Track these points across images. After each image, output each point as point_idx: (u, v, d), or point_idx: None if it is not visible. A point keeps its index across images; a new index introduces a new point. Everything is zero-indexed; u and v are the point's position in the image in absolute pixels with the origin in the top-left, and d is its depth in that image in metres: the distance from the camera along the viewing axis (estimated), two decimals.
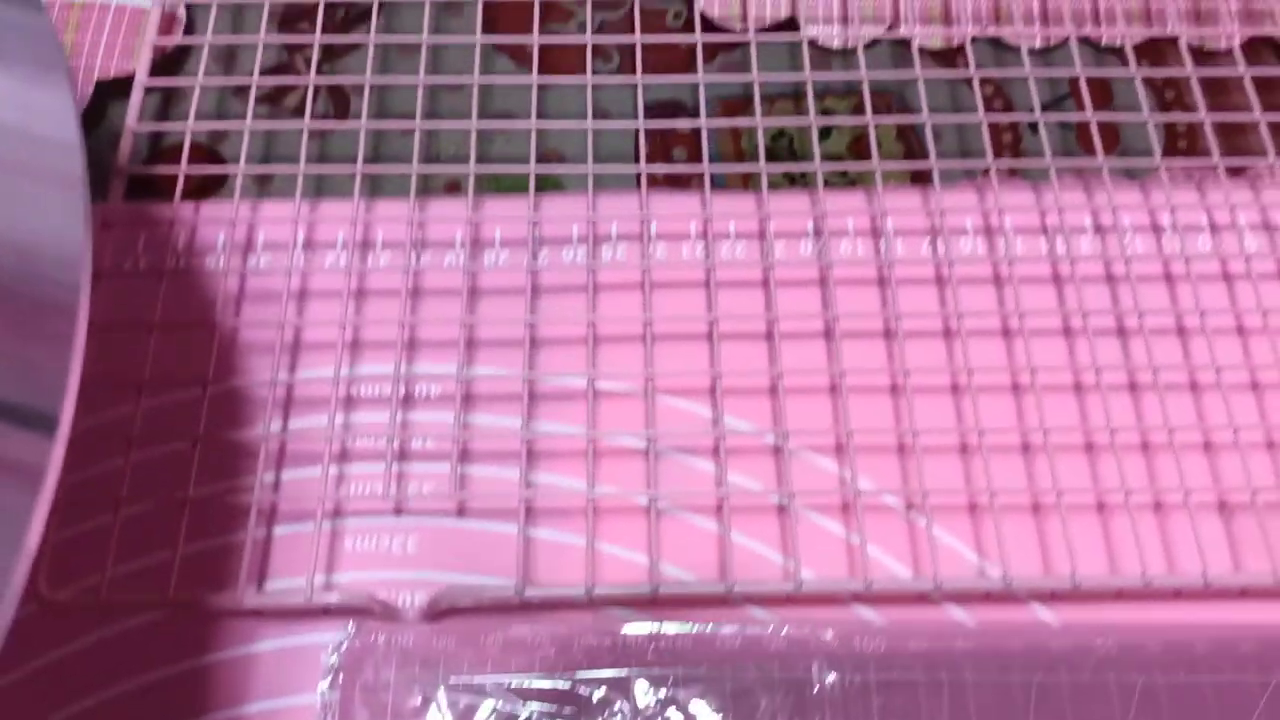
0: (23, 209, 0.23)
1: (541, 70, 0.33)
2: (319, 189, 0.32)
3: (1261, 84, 0.32)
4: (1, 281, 0.22)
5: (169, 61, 0.33)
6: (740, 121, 0.33)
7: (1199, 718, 0.24)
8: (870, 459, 0.27)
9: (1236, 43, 0.33)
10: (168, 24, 0.34)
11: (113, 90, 0.33)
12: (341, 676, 0.25)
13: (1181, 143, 0.33)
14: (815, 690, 0.25)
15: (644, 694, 0.24)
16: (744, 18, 0.34)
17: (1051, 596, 0.26)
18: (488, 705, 0.24)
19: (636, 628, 0.25)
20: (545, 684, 0.24)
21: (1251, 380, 0.29)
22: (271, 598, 0.26)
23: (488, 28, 0.33)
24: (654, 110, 0.33)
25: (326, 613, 0.26)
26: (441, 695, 0.24)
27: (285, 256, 0.30)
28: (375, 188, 0.32)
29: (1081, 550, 0.26)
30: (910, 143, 0.33)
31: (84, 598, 0.25)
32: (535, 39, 0.33)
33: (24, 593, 0.19)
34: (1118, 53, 0.34)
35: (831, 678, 0.25)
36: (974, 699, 0.25)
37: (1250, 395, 0.28)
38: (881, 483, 0.27)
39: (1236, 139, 0.33)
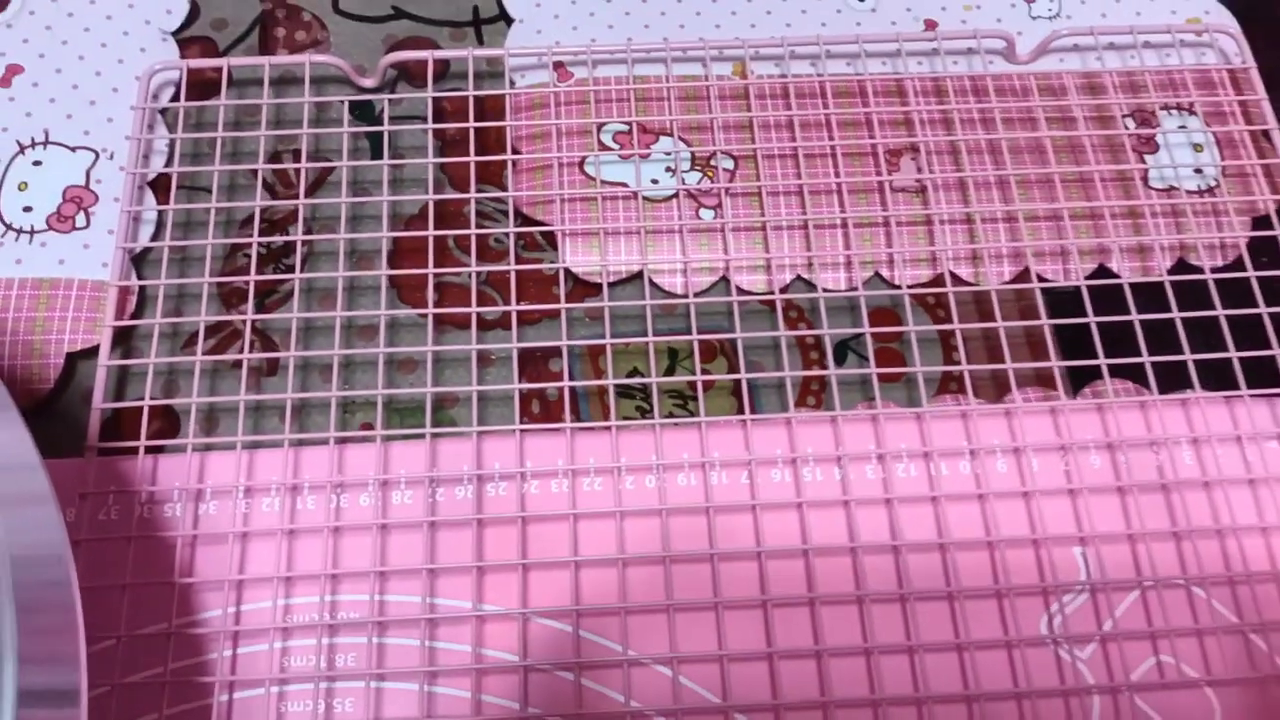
0: (21, 531, 0.31)
1: (437, 322, 0.40)
2: (256, 444, 0.39)
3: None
4: (19, 596, 0.29)
5: (125, 333, 0.41)
6: (597, 383, 0.41)
7: None
8: (696, 668, 0.35)
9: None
10: (123, 298, 0.41)
11: (82, 355, 0.40)
12: None
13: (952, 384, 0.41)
14: None
15: None
16: (605, 273, 0.42)
17: None
18: None
19: None
20: None
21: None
22: None
23: (392, 281, 0.41)
24: (530, 354, 0.41)
25: None
26: None
27: (229, 502, 0.37)
28: (302, 439, 0.39)
29: None
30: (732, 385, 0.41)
31: None
32: (430, 307, 0.40)
33: None
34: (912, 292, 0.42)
35: None
36: None
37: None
38: (710, 689, 0.35)
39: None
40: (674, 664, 0.36)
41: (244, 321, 0.40)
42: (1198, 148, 0.46)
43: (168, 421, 0.40)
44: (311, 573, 0.36)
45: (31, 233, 0.42)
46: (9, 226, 0.42)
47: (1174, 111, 0.46)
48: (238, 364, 0.40)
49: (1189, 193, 0.45)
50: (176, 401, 0.40)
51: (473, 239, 0.42)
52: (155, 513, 0.37)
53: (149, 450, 0.38)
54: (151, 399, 0.39)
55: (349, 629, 0.36)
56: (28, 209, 0.42)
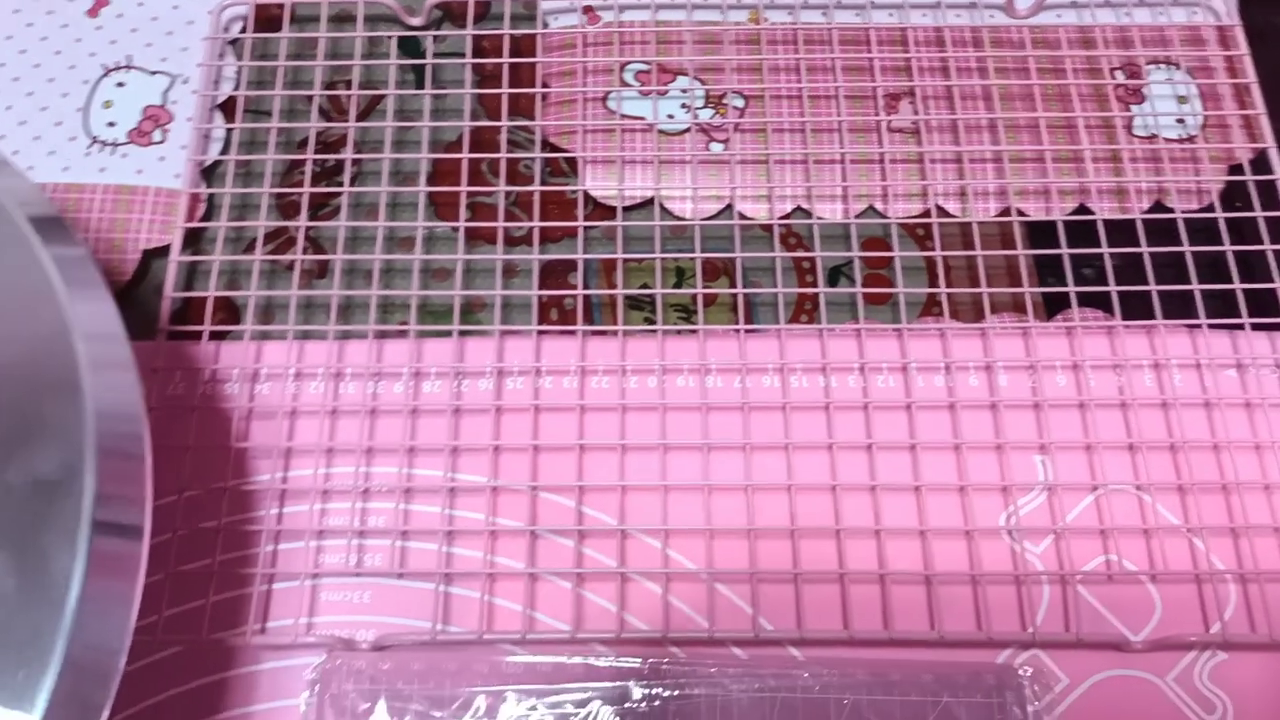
0: (105, 389, 0.36)
1: (469, 235, 0.45)
2: (305, 335, 0.44)
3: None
4: (100, 443, 0.34)
5: (194, 235, 0.46)
6: (609, 292, 0.45)
7: None
8: (682, 540, 0.40)
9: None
10: (193, 205, 0.46)
11: (156, 253, 0.45)
12: (317, 688, 0.37)
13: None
14: (631, 701, 0.37)
15: (514, 703, 0.37)
16: (620, 197, 0.46)
17: (799, 641, 0.39)
18: (413, 708, 0.37)
19: (515, 658, 0.38)
20: (448, 694, 0.37)
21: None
22: (270, 636, 0.38)
23: (430, 198, 0.46)
24: (548, 273, 0.45)
25: (308, 645, 0.38)
26: (382, 703, 0.37)
27: (280, 384, 0.42)
28: (346, 332, 0.44)
29: (822, 611, 0.39)
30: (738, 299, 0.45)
31: (142, 636, 0.38)
32: (463, 222, 0.45)
33: None
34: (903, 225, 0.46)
35: (640, 693, 0.37)
36: (736, 706, 0.37)
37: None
38: (694, 560, 0.40)
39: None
40: (664, 535, 0.40)
41: (298, 229, 0.45)
42: (1181, 99, 0.49)
43: (229, 313, 0.45)
44: (349, 447, 0.41)
45: (114, 145, 0.47)
46: (95, 139, 0.47)
47: (1162, 66, 0.49)
48: (291, 265, 0.45)
49: (1169, 140, 0.48)
50: (237, 294, 0.45)
51: (503, 163, 0.47)
52: (216, 389, 0.43)
53: (212, 336, 0.43)
54: (216, 292, 0.44)
55: (380, 495, 0.41)
56: (111, 124, 0.48)
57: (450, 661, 0.38)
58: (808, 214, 0.46)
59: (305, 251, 0.45)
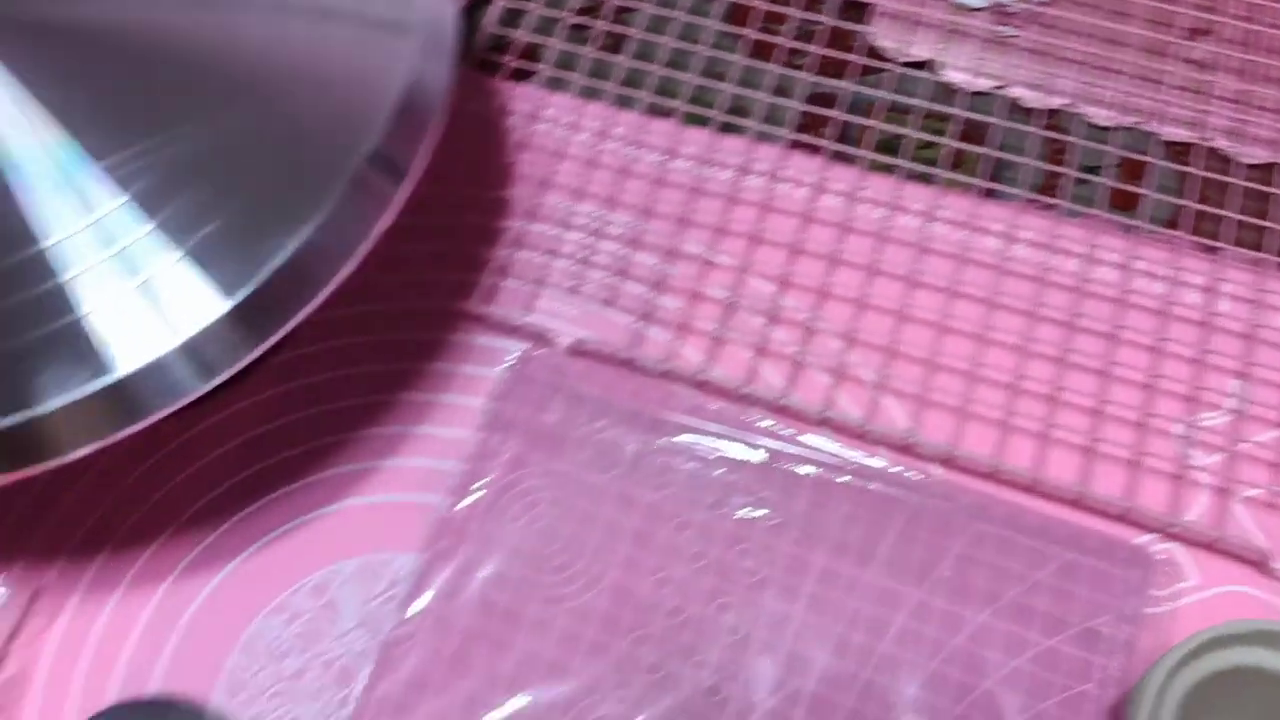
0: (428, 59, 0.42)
1: (755, 47, 0.49)
2: (590, 92, 0.49)
3: None
4: (410, 103, 0.40)
5: None
6: (861, 120, 0.48)
7: (1005, 561, 0.39)
8: (864, 351, 0.43)
9: None
10: None
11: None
12: (517, 368, 0.43)
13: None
14: (778, 463, 0.40)
15: (679, 437, 0.41)
16: (900, 54, 0.49)
17: (947, 458, 0.41)
18: (586, 412, 0.41)
19: (685, 393, 0.42)
20: (624, 409, 0.41)
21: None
22: (495, 311, 0.44)
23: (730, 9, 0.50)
24: (815, 99, 0.49)
25: (516, 331, 0.44)
26: (561, 400, 0.42)
27: (557, 127, 0.48)
28: (624, 99, 0.49)
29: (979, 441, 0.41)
30: (980, 164, 0.47)
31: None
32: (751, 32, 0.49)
33: None
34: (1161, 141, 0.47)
35: (804, 470, 0.40)
36: (869, 497, 0.40)
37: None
38: (868, 367, 0.43)
39: None
40: (849, 340, 0.43)
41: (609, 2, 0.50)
42: None
43: (532, 58, 0.51)
44: (597, 192, 0.46)
45: None
46: None
47: None
48: (593, 32, 0.51)
49: None
50: (543, 40, 0.51)
51: None
52: (503, 114, 0.48)
53: (514, 75, 0.49)
54: (528, 36, 0.49)
55: (611, 238, 0.46)
56: None
57: (633, 382, 0.42)
58: (1075, 116, 0.48)
59: (611, 21, 0.51)
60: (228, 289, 0.35)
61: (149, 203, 0.37)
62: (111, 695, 0.38)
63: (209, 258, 0.36)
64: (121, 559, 0.40)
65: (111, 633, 0.39)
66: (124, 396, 0.35)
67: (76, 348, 0.35)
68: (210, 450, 0.42)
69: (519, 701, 0.37)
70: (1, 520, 0.41)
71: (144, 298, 0.36)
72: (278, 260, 0.36)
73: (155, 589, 0.40)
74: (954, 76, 0.49)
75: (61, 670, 0.39)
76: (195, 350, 0.35)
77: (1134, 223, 0.45)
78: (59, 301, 0.36)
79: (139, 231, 0.37)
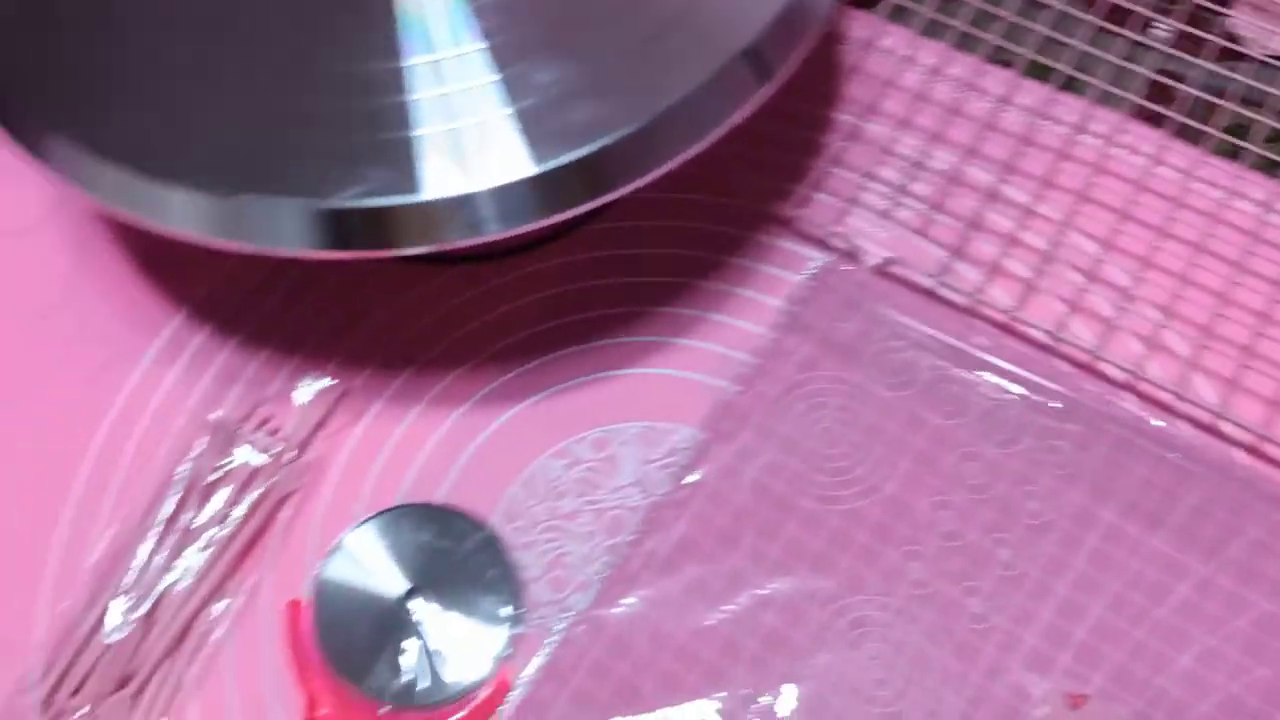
0: None
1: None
2: (933, 30, 0.49)
3: None
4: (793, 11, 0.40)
5: None
6: (1213, 99, 0.46)
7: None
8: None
9: None
10: None
11: None
12: (820, 277, 0.43)
13: None
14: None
15: (982, 375, 0.41)
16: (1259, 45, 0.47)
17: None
18: (882, 332, 0.42)
19: (987, 330, 0.42)
20: (923, 335, 0.41)
21: None
22: (803, 219, 0.45)
23: None
24: (1163, 74, 0.47)
25: (823, 243, 0.44)
26: (856, 324, 0.42)
27: (892, 59, 0.48)
28: (965, 44, 0.49)
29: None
30: None
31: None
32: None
33: None
34: None
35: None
36: (1188, 479, 0.39)
37: None
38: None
39: None
40: (1127, 296, 0.42)
41: None
42: None
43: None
44: (922, 128, 0.47)
45: None
46: None
47: None
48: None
49: None
50: None
51: None
52: (840, 37, 0.49)
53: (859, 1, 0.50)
54: None
55: (930, 172, 0.46)
56: None
57: (934, 311, 0.42)
58: None
59: None
60: (540, 157, 0.36)
61: (504, 56, 0.39)
62: (399, 497, 0.41)
63: (536, 121, 0.36)
64: (424, 378, 0.43)
65: (406, 442, 0.42)
66: (427, 216, 0.36)
67: (401, 158, 0.36)
68: (518, 298, 0.44)
69: (782, 584, 0.38)
70: (322, 321, 0.44)
71: (472, 136, 0.37)
72: (603, 139, 0.36)
73: (450, 412, 0.42)
74: None
75: (358, 465, 0.41)
76: (501, 197, 0.36)
77: None
78: (400, 115, 0.38)
79: (486, 78, 0.38)
